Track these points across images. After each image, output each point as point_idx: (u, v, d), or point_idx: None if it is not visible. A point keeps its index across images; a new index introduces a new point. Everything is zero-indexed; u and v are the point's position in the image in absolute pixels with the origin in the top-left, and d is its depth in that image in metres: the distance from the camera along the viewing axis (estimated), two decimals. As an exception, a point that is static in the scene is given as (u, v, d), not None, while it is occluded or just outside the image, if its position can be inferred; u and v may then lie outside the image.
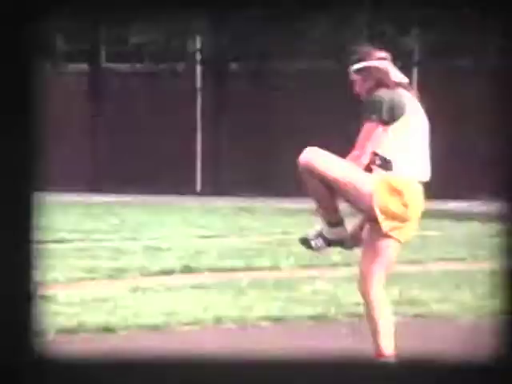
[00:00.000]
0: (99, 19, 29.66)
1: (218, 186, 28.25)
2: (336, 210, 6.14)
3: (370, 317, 6.07)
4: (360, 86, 6.20)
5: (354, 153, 6.00)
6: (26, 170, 3.75)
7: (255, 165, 28.69)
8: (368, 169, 6.01)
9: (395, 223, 5.96)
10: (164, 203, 21.60)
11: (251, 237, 14.94)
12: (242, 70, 29.23)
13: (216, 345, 7.29)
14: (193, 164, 29.81)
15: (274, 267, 11.29)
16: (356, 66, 6.21)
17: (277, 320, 8.22)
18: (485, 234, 14.80)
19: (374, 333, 6.05)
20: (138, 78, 28.68)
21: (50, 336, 7.44)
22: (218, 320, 8.12)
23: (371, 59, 6.20)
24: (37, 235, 3.76)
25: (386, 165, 6.01)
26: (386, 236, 6.01)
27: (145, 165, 28.45)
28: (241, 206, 21.02)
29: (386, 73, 6.18)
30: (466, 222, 16.54)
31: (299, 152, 5.96)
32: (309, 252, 11.90)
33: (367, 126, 5.99)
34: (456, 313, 8.59)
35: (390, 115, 6.01)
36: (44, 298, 8.82)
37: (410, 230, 6.05)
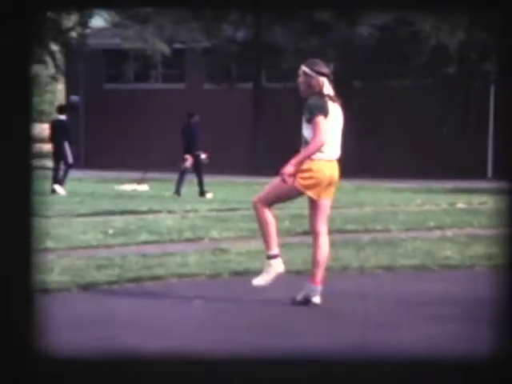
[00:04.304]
0: (261, 51, 29.77)
1: (343, 171, 28.17)
2: None
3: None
4: (302, 85, 6.33)
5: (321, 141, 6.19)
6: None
7: (363, 153, 28.45)
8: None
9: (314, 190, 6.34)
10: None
11: (367, 208, 14.78)
12: (363, 87, 29.13)
13: (341, 286, 7.19)
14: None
15: (385, 230, 11.13)
16: (303, 68, 6.32)
17: (387, 268, 8.07)
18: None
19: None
20: (288, 94, 28.79)
21: (224, 277, 7.42)
22: (344, 268, 8.01)
23: (315, 70, 6.30)
24: (37, 231, 2.67)
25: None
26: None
27: (290, 155, 28.52)
28: (358, 186, 20.86)
29: (320, 84, 6.28)
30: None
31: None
32: (411, 219, 11.68)
33: (318, 121, 6.14)
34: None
35: (325, 114, 6.19)
36: (221, 249, 8.88)
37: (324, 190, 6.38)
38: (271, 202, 6.40)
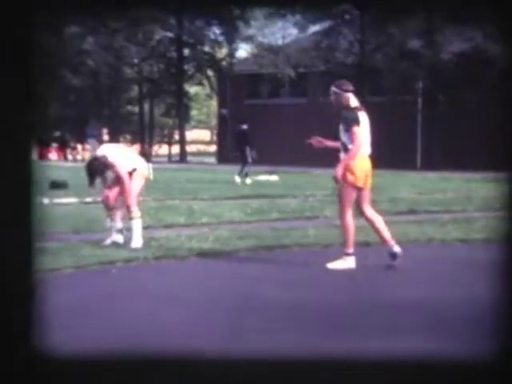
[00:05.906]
0: (364, 72, 29.38)
1: (429, 165, 27.51)
2: None
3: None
4: (334, 102, 6.29)
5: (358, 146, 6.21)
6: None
7: (445, 151, 27.61)
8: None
9: (361, 179, 6.24)
10: (396, 174, 21.18)
11: (448, 193, 14.35)
12: (446, 100, 28.49)
13: (427, 254, 7.01)
14: (414, 153, 29.28)
15: (463, 210, 10.78)
16: (333, 89, 6.28)
17: (463, 241, 7.82)
18: None
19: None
20: (385, 106, 28.31)
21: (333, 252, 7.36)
22: (430, 240, 7.81)
23: (343, 89, 6.24)
24: (38, 233, 2.00)
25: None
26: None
27: (384, 150, 28.08)
28: (443, 176, 20.28)
29: (347, 99, 6.23)
30: None
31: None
32: (483, 202, 11.28)
33: (355, 131, 6.17)
34: None
35: (358, 124, 6.19)
36: (333, 225, 8.77)
37: (362, 180, 6.24)
38: (350, 209, 6.31)
